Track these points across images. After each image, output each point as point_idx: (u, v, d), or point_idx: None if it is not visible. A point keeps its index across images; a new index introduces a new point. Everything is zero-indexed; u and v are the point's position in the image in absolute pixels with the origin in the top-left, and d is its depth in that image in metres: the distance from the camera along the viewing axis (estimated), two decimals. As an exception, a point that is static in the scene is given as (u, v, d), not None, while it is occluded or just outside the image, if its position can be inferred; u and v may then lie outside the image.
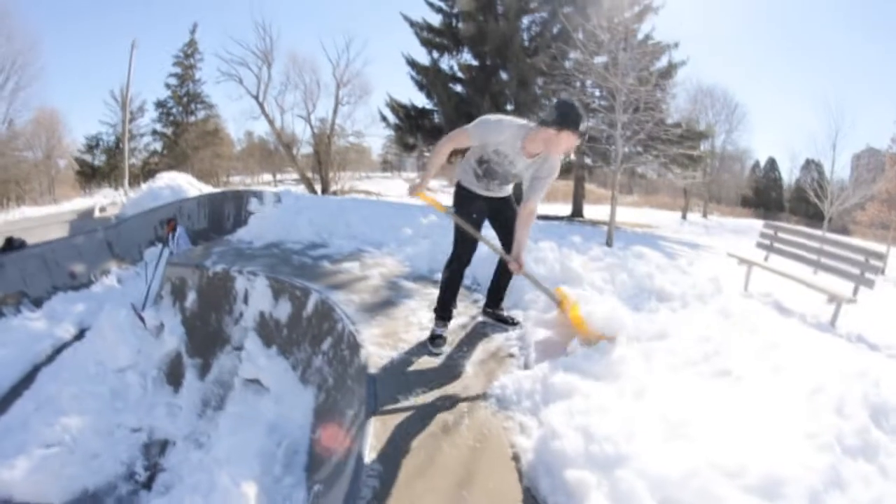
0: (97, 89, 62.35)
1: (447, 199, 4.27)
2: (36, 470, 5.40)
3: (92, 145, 39.27)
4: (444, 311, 3.91)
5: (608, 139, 13.53)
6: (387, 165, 48.66)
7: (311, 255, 7.12)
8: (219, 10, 53.41)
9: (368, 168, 46.34)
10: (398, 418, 2.92)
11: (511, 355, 3.65)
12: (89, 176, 36.37)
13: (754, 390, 2.86)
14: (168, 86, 41.02)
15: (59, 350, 7.99)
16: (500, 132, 3.52)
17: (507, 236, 3.95)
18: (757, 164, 58.79)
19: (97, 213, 14.40)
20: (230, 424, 4.90)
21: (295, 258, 7.09)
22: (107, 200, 15.89)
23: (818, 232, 11.98)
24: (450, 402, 3.07)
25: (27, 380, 7.41)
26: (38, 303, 9.73)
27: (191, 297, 7.29)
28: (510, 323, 4.25)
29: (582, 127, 3.35)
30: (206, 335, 6.59)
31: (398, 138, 23.02)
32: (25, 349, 8.03)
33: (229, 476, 3.89)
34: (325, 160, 31.92)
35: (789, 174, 57.14)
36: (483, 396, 3.13)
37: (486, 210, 3.93)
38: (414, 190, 3.81)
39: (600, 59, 15.08)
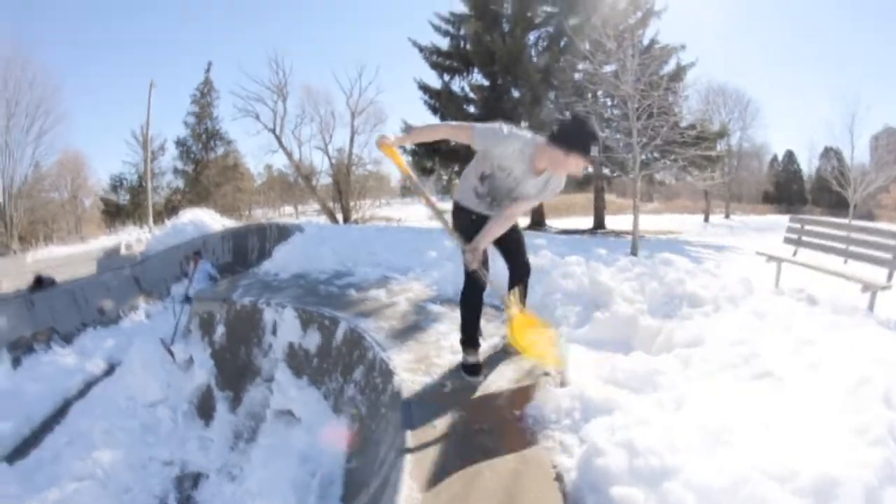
0: (119, 128, 63.95)
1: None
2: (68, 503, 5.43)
3: (116, 185, 40.00)
4: (469, 339, 3.76)
5: (625, 147, 13.53)
6: (406, 191, 48.90)
7: (337, 284, 7.13)
8: (232, 45, 54.64)
9: (388, 195, 46.59)
10: (435, 444, 2.88)
11: (546, 374, 3.59)
12: (114, 214, 36.90)
13: (796, 389, 2.79)
14: (186, 124, 41.80)
15: (89, 385, 8.09)
16: (506, 143, 3.33)
17: (514, 263, 3.84)
18: (775, 159, 58.44)
19: (123, 251, 14.56)
20: (263, 456, 4.91)
21: (321, 288, 7.10)
22: (132, 238, 16.05)
23: (844, 221, 11.82)
24: (488, 425, 3.03)
25: (59, 414, 7.52)
26: (68, 339, 9.87)
27: (219, 331, 7.33)
28: None
29: (593, 151, 3.19)
30: (236, 368, 6.61)
31: (415, 163, 23.23)
32: (57, 384, 8.14)
33: (263, 508, 3.88)
34: (344, 189, 32.21)
35: (808, 165, 56.76)
36: (521, 417, 3.08)
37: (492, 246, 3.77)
38: (383, 140, 3.57)
39: (609, 68, 15.20)
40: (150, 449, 6.35)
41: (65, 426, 7.06)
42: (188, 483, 5.87)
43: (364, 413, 4.14)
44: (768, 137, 62.19)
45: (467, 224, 3.65)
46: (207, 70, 42.11)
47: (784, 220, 11.54)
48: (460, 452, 2.78)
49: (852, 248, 6.91)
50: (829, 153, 42.95)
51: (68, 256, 13.55)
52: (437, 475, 2.60)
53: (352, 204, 32.41)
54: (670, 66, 20.32)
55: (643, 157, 13.52)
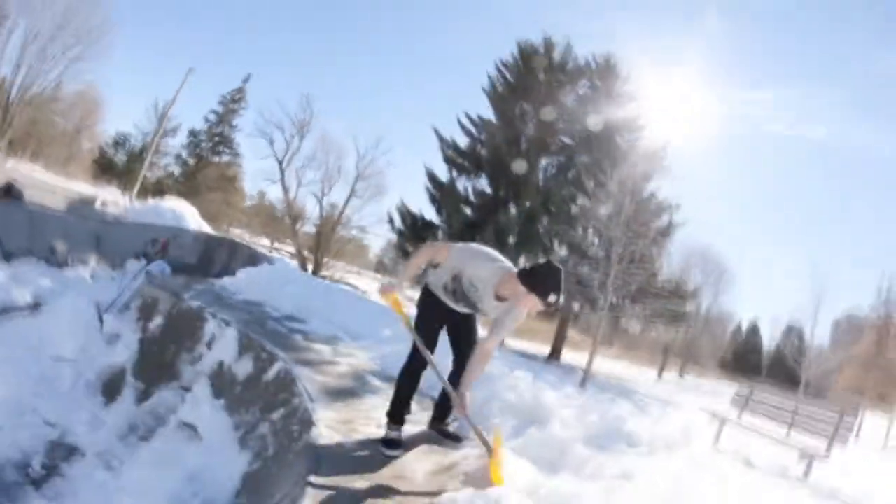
0: (146, 91, 63.75)
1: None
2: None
3: (119, 142, 39.83)
4: (397, 413, 3.80)
5: (600, 286, 13.92)
6: (380, 266, 48.98)
7: (287, 326, 7.12)
8: (272, 66, 55.60)
9: (363, 265, 46.57)
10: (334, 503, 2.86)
11: (466, 474, 3.57)
12: (105, 168, 36.52)
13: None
14: (206, 119, 42.15)
15: (6, 310, 7.70)
16: (479, 267, 3.54)
17: (459, 354, 3.92)
18: (739, 329, 59.20)
19: (98, 205, 14.34)
20: (150, 458, 4.77)
21: (270, 323, 7.09)
22: (111, 197, 15.86)
23: (792, 396, 12.17)
24: (392, 502, 3.00)
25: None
26: (6, 257, 9.51)
27: (157, 321, 7.25)
28: (455, 439, 4.11)
29: (551, 298, 3.36)
30: (158, 363, 6.49)
31: (399, 244, 23.61)
32: None
33: (130, 508, 3.75)
34: (324, 243, 32.19)
35: (769, 339, 57.25)
36: None
37: (448, 320, 3.90)
38: (386, 290, 3.79)
39: (605, 211, 15.89)
40: (37, 401, 6.05)
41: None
42: (60, 452, 5.58)
43: (270, 454, 4.08)
44: (736, 306, 63.63)
45: (442, 311, 3.84)
46: (245, 80, 42.92)
47: (735, 388, 11.92)
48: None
49: (797, 418, 7.29)
50: (792, 331, 43.63)
51: (45, 183, 13.33)
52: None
53: (325, 260, 32.29)
54: (662, 221, 21.30)
55: (614, 299, 13.93)
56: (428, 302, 3.87)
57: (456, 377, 3.90)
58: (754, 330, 60.03)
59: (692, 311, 25.52)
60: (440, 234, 22.88)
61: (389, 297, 3.81)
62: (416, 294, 4.12)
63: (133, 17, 48.68)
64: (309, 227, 36.05)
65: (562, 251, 21.44)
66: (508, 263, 3.64)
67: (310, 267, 30.01)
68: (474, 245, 3.71)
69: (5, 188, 10.94)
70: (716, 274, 42.34)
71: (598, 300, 14.04)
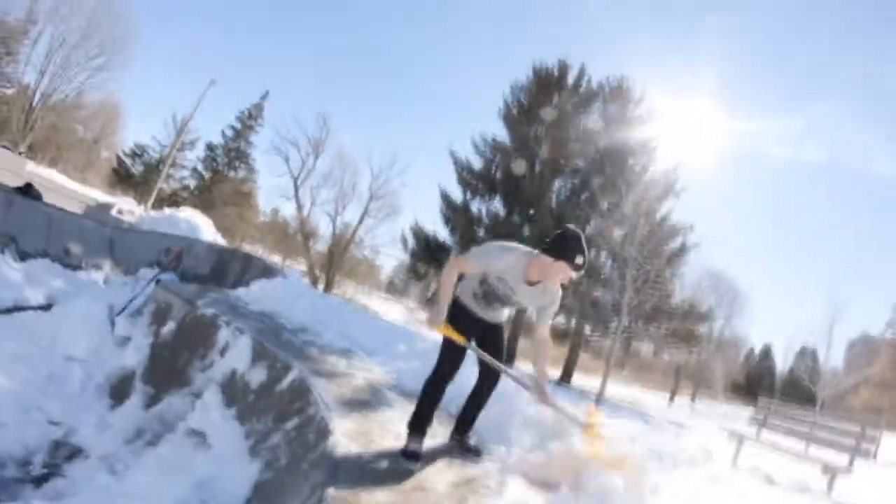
0: (166, 100, 64.50)
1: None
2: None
3: (137, 153, 40.20)
4: (419, 424, 3.69)
5: (613, 308, 13.85)
6: (391, 287, 48.97)
7: (301, 338, 6.98)
8: (290, 82, 56.10)
9: (373, 285, 46.56)
10: None
11: (488, 487, 3.43)
12: (122, 178, 36.88)
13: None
14: (224, 135, 42.55)
15: (19, 307, 7.65)
16: (502, 259, 3.53)
17: (486, 368, 3.85)
18: (752, 352, 58.40)
19: (114, 212, 14.43)
20: (157, 463, 4.61)
21: (285, 334, 6.97)
22: (127, 206, 15.95)
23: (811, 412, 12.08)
24: None
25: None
26: (23, 256, 9.53)
27: (169, 326, 7.15)
28: (475, 453, 3.98)
29: (578, 260, 3.34)
30: (169, 369, 6.37)
31: (412, 264, 23.60)
32: None
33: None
34: (336, 262, 32.16)
35: (783, 362, 56.50)
36: None
37: (475, 332, 3.81)
38: (435, 322, 3.65)
39: (619, 232, 15.78)
40: (45, 399, 5.96)
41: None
42: (64, 452, 5.43)
43: (283, 464, 3.93)
44: (749, 331, 63.04)
45: (469, 322, 3.76)
46: (263, 97, 43.40)
47: (748, 412, 11.83)
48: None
49: (816, 433, 7.21)
50: (806, 352, 43.01)
51: (63, 187, 13.40)
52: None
53: (337, 278, 32.26)
54: (676, 243, 21.20)
55: (627, 321, 13.85)
56: (456, 314, 3.77)
57: (479, 391, 3.91)
58: (767, 353, 59.77)
59: (705, 333, 25.32)
60: (452, 253, 22.80)
61: (441, 328, 3.67)
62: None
63: (153, 29, 49.63)
64: (321, 246, 36.17)
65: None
66: (527, 248, 3.63)
67: (320, 285, 29.94)
68: (490, 243, 3.68)
69: (24, 188, 10.99)
70: (729, 296, 42.11)
71: (611, 322, 13.94)
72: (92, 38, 30.05)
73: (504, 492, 3.33)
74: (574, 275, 3.45)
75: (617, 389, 27.52)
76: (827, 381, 21.87)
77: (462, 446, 4.02)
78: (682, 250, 21.68)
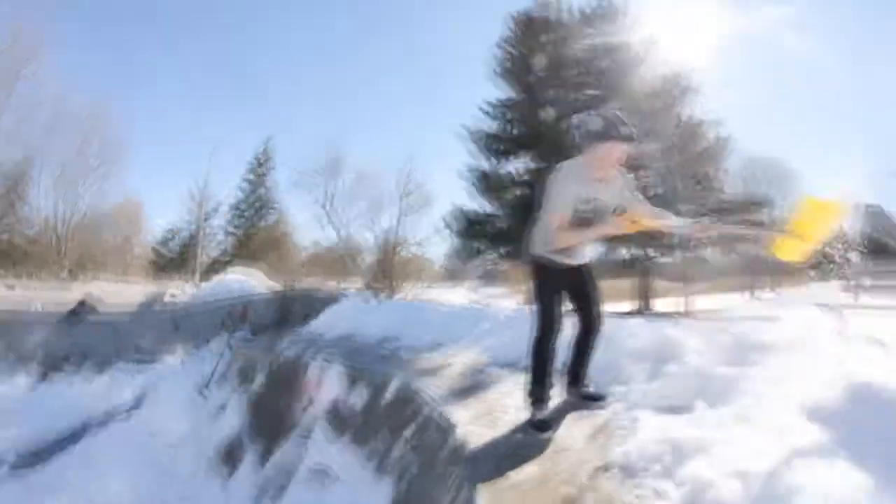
0: (178, 179, 65.55)
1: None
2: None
3: (168, 238, 40.93)
4: (539, 392, 3.47)
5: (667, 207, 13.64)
6: (449, 274, 49.06)
7: (387, 347, 6.89)
8: (293, 115, 56.14)
9: (431, 279, 46.62)
10: (509, 495, 2.59)
11: (623, 428, 3.20)
12: (162, 266, 37.65)
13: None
14: (241, 189, 42.95)
15: (112, 416, 7.80)
16: (567, 183, 3.33)
17: (585, 310, 3.62)
18: None
19: (167, 298, 14.62)
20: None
21: (369, 349, 6.88)
22: (177, 288, 16.17)
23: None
24: (567, 476, 2.69)
25: (75, 436, 7.30)
26: (100, 367, 9.78)
27: (258, 380, 7.10)
28: (598, 399, 3.75)
29: (623, 130, 3.19)
30: (272, 420, 6.30)
31: (463, 245, 23.29)
32: (79, 407, 8.00)
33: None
34: (388, 269, 32.22)
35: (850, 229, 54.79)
36: (604, 468, 2.71)
37: (566, 283, 3.57)
38: (622, 220, 3.43)
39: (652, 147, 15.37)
40: (163, 490, 6.00)
41: (78, 448, 6.80)
42: (200, 531, 5.45)
43: (415, 473, 3.76)
44: None
45: (557, 279, 3.51)
46: (267, 142, 43.63)
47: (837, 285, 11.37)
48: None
49: None
50: (872, 211, 41.32)
51: (114, 293, 13.64)
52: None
53: (395, 284, 32.35)
54: (709, 140, 20.36)
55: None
56: (541, 275, 3.56)
57: (584, 338, 3.65)
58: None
59: (767, 221, 24.50)
60: (497, 222, 22.50)
61: (638, 220, 3.42)
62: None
63: (146, 116, 50.46)
64: (370, 257, 36.32)
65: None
66: (572, 159, 3.46)
67: (382, 296, 30.06)
68: (548, 186, 3.44)
69: (79, 307, 11.18)
70: (781, 179, 40.76)
71: (672, 241, 13.57)
72: (88, 153, 30.72)
73: (639, 427, 3.12)
74: (627, 148, 3.27)
75: (697, 303, 26.88)
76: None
77: (583, 397, 3.78)
78: (719, 145, 20.95)
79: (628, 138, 3.22)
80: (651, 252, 21.22)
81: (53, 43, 31.84)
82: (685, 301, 12.31)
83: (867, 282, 7.67)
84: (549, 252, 3.51)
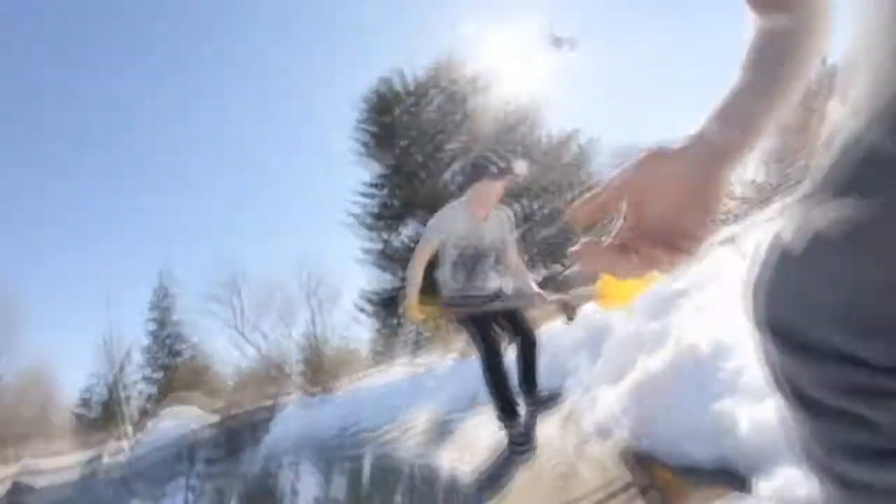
0: (83, 333, 62.08)
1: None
2: None
3: (86, 398, 38.78)
4: (506, 407, 3.61)
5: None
6: (378, 357, 48.39)
7: (348, 433, 7.06)
8: (187, 244, 54.58)
9: (363, 368, 46.03)
10: (512, 495, 2.87)
11: (588, 407, 3.41)
12: (87, 428, 35.58)
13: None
14: (149, 332, 41.39)
15: None
16: (445, 219, 3.67)
17: (516, 327, 3.88)
18: None
19: (106, 459, 14.07)
20: None
21: (332, 440, 7.04)
22: (112, 448, 15.58)
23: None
24: (557, 460, 3.02)
25: None
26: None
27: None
28: (554, 398, 3.99)
29: (500, 165, 3.51)
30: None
31: (383, 324, 23.65)
32: None
33: None
34: (318, 369, 31.73)
35: None
36: (584, 441, 3.05)
37: (491, 312, 3.78)
38: (409, 309, 3.81)
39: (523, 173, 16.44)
40: None
41: None
42: None
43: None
44: None
45: (478, 311, 3.76)
46: (161, 277, 42.41)
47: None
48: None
49: None
50: None
51: (47, 468, 13.03)
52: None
53: (329, 383, 31.85)
54: (572, 152, 21.36)
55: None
56: (459, 312, 3.86)
57: (522, 352, 3.92)
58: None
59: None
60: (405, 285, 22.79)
61: (416, 309, 3.79)
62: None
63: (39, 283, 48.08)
64: (298, 365, 35.55)
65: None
66: (455, 201, 3.85)
67: (324, 395, 29.55)
68: (428, 224, 3.86)
69: (12, 491, 10.70)
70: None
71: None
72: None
73: (599, 400, 3.35)
74: (502, 184, 3.60)
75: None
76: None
77: (539, 402, 3.99)
78: (584, 151, 21.98)
79: (501, 174, 3.53)
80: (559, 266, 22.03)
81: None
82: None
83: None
84: (455, 290, 3.80)
